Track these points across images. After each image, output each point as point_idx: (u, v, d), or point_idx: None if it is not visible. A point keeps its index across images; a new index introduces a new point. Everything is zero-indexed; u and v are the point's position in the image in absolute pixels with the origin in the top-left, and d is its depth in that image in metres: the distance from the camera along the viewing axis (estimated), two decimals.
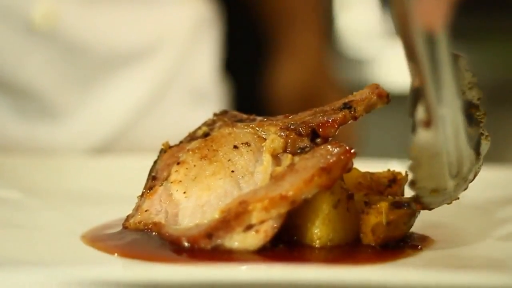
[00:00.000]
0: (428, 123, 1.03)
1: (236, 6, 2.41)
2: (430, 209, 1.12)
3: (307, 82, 2.33)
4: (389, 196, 1.16)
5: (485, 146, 1.12)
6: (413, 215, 1.13)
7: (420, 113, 1.03)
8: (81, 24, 1.85)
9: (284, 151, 1.15)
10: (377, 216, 1.10)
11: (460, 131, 1.07)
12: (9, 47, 1.82)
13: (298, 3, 2.38)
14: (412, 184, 1.07)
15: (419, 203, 1.09)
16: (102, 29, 1.88)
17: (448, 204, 1.12)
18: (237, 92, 2.32)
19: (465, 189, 1.12)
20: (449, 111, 1.05)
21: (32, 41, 1.81)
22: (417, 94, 1.03)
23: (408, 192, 1.20)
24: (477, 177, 1.12)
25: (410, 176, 1.07)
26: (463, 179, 1.10)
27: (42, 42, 1.82)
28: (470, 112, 1.10)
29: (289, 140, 1.15)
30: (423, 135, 1.03)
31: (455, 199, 1.12)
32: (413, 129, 1.03)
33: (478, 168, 1.12)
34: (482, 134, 1.12)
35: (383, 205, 1.10)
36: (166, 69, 1.99)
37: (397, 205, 1.11)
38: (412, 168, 1.05)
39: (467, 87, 1.10)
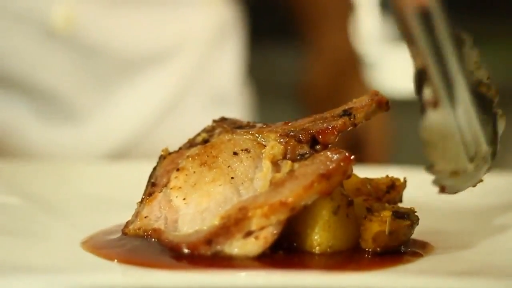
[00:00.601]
0: (435, 104, 1.01)
1: (260, 6, 2.39)
2: (454, 193, 1.09)
3: (335, 79, 2.29)
4: (386, 204, 1.16)
5: (501, 124, 1.09)
6: (412, 226, 1.13)
7: (427, 94, 1.01)
8: (101, 27, 1.85)
9: (284, 157, 1.15)
10: (381, 225, 1.10)
11: (472, 111, 1.05)
12: (29, 50, 1.82)
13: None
14: (430, 168, 1.05)
15: (441, 188, 1.07)
16: (123, 32, 1.88)
17: (473, 187, 1.09)
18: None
19: (488, 170, 1.09)
20: (457, 91, 1.03)
21: (52, 44, 1.82)
22: (421, 75, 1.01)
23: (406, 199, 1.20)
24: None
25: (428, 160, 1.04)
26: (482, 159, 1.07)
27: (62, 45, 1.82)
28: (481, 91, 1.08)
29: (288, 147, 1.15)
30: (432, 116, 1.01)
31: (480, 182, 1.10)
32: (422, 110, 1.01)
33: (496, 148, 1.08)
34: (496, 112, 1.09)
35: (387, 214, 1.10)
36: (186, 72, 1.98)
37: (398, 215, 1.11)
38: (426, 151, 1.03)
39: (475, 67, 1.08)
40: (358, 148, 2.06)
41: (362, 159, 1.94)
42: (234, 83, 2.12)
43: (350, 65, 2.33)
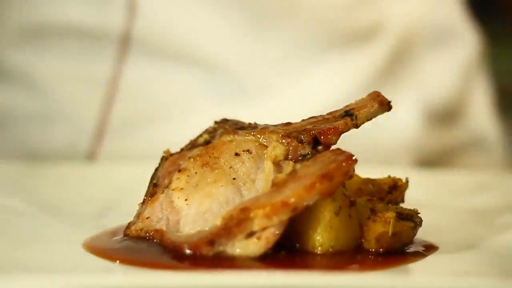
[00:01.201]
0: None
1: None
2: None
3: None
4: (390, 205, 1.16)
5: None
6: (416, 228, 1.13)
7: None
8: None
9: (286, 158, 1.15)
10: (384, 226, 1.10)
11: None
12: (198, 20, 1.79)
13: None
14: None
15: None
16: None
17: None
18: None
19: None
20: None
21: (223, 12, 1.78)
22: None
23: (408, 199, 1.20)
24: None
25: None
26: None
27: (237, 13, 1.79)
28: None
29: (290, 148, 1.15)
30: None
31: None
32: None
33: None
34: None
35: (391, 215, 1.10)
36: (378, 63, 1.87)
37: (402, 216, 1.11)
38: None
39: None
40: None
41: None
42: (459, 94, 1.96)
43: None
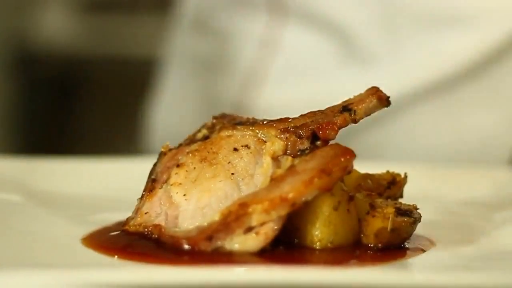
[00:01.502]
0: None
1: None
2: None
3: None
4: (389, 200, 1.16)
5: None
6: (415, 224, 1.13)
7: None
8: None
9: (284, 153, 1.15)
10: (383, 221, 1.10)
11: None
12: None
13: None
14: None
15: None
16: None
17: None
18: None
19: None
20: None
21: None
22: None
23: (407, 194, 1.20)
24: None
25: None
26: None
27: None
28: None
29: (289, 143, 1.15)
30: None
31: None
32: None
33: None
34: None
35: (390, 211, 1.10)
36: (487, 46, 1.85)
37: (401, 212, 1.11)
38: None
39: None
40: None
41: None
42: None
43: None
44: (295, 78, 1.94)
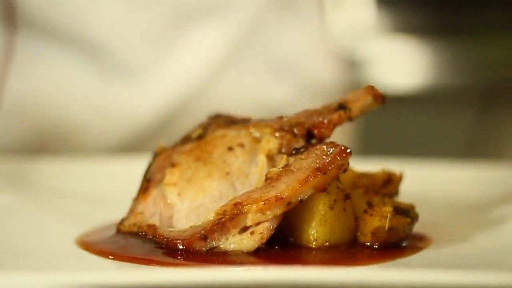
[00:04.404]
0: None
1: None
2: None
3: None
4: (387, 199, 1.15)
5: None
6: (412, 223, 1.12)
7: None
8: None
9: (279, 152, 1.14)
10: (381, 220, 1.09)
11: None
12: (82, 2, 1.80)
13: None
14: None
15: None
16: None
17: None
18: None
19: None
20: None
21: None
22: None
23: (403, 191, 1.20)
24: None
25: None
26: None
27: None
28: None
29: (284, 141, 1.15)
30: None
31: None
32: None
33: None
34: None
35: (388, 210, 1.09)
36: (242, 31, 1.90)
37: (398, 211, 1.10)
38: None
39: None
40: None
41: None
42: (303, 54, 2.01)
43: None
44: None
